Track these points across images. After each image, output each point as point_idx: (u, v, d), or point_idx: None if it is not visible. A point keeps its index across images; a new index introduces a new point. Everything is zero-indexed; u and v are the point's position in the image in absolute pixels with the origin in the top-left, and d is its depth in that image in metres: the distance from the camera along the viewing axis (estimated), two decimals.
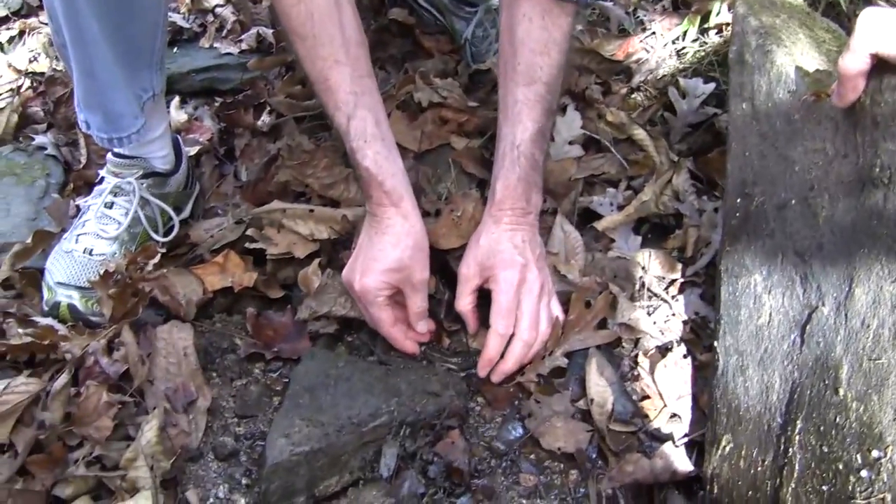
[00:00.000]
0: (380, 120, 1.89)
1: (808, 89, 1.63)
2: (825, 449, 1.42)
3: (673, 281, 2.13)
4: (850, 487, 1.35)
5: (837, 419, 1.41)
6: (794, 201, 1.64)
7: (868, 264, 1.42)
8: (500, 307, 1.92)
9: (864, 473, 1.33)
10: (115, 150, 2.19)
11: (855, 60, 1.40)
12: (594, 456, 1.92)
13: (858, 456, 1.35)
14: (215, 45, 2.91)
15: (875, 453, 1.32)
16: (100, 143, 2.11)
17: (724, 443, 1.66)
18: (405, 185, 1.93)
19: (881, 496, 1.29)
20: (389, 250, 1.91)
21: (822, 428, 1.44)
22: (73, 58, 1.95)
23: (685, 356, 1.97)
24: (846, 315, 1.45)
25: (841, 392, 1.41)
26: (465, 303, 2.01)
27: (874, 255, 1.41)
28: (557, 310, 2.05)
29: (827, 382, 1.45)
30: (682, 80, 2.45)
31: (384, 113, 1.93)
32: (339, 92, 1.85)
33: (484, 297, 2.01)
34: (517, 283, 1.91)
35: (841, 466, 1.38)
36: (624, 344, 2.06)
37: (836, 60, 1.42)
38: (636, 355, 2.03)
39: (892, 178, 1.40)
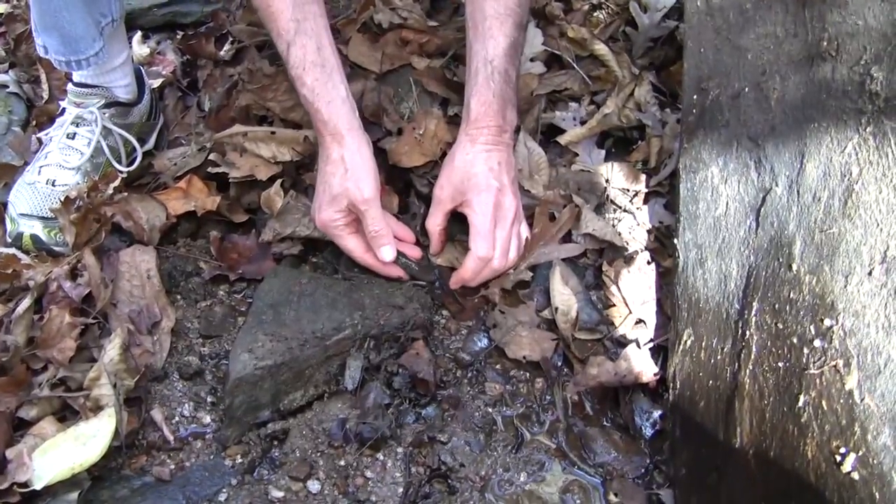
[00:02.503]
0: (322, 45, 1.88)
1: None
2: (780, 326, 1.42)
3: (637, 192, 2.13)
4: (803, 359, 1.35)
5: (791, 294, 1.41)
6: (747, 88, 1.63)
7: (818, 138, 1.42)
8: (479, 231, 1.89)
9: (817, 343, 1.33)
10: (75, 75, 2.17)
11: None
12: (560, 364, 1.92)
13: (812, 327, 1.35)
14: None
15: (827, 322, 1.32)
16: (58, 67, 2.09)
17: (685, 337, 1.67)
18: (345, 111, 1.90)
19: (833, 363, 1.29)
20: (331, 180, 1.89)
21: (776, 305, 1.44)
22: None
23: (649, 262, 1.97)
24: (798, 191, 1.45)
25: (794, 267, 1.41)
26: (434, 223, 1.98)
27: (824, 128, 1.41)
28: (526, 232, 2.03)
29: (781, 260, 1.45)
30: None
31: (329, 37, 1.91)
32: (280, 19, 1.85)
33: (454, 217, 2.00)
34: (492, 207, 1.88)
35: (795, 340, 1.38)
36: (588, 255, 2.06)
37: None
38: (601, 265, 2.02)
39: (839, 50, 1.40)
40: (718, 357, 1.57)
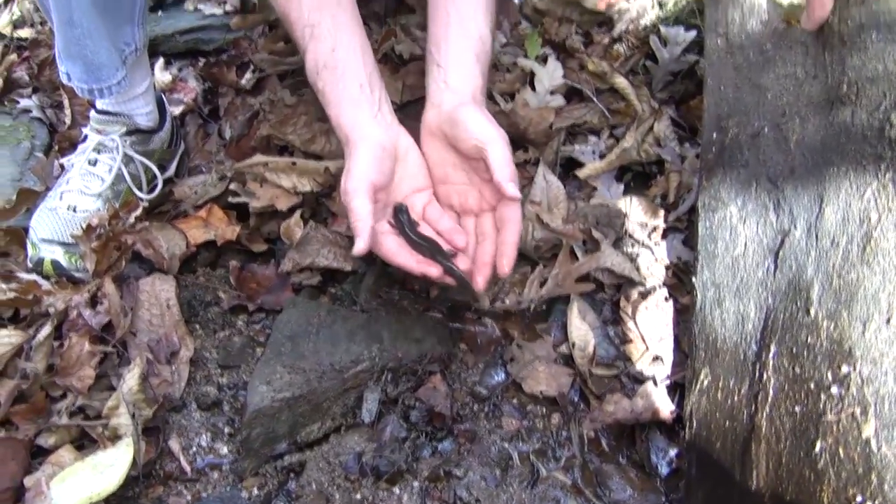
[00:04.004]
0: (338, 45, 1.79)
1: (779, 17, 1.62)
2: (797, 370, 1.41)
3: (655, 227, 2.12)
4: (821, 405, 1.35)
5: (809, 339, 1.41)
6: (766, 128, 1.64)
7: (837, 182, 1.42)
8: (503, 164, 1.69)
9: (834, 390, 1.33)
10: (98, 103, 2.19)
11: None
12: (576, 399, 1.92)
13: (829, 373, 1.35)
14: (199, 6, 2.91)
15: (845, 368, 1.32)
16: (80, 94, 2.11)
17: (702, 377, 1.66)
18: (351, 113, 1.78)
19: (850, 411, 1.29)
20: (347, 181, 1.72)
21: (794, 349, 1.43)
22: (52, 7, 1.95)
23: (667, 299, 1.97)
24: (817, 235, 1.45)
25: (812, 312, 1.41)
26: None
27: (843, 173, 1.41)
28: None
29: (799, 304, 1.45)
30: (663, 29, 2.45)
31: (350, 32, 1.83)
32: (296, 27, 1.81)
33: None
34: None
35: (812, 385, 1.37)
36: (606, 289, 2.06)
37: None
38: (618, 300, 2.02)
39: (858, 94, 1.40)
40: (735, 398, 1.56)
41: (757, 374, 1.52)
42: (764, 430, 1.46)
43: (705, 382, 1.65)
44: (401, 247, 1.77)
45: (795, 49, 1.58)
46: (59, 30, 1.99)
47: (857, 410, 1.28)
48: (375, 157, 1.73)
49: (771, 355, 1.48)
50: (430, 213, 1.85)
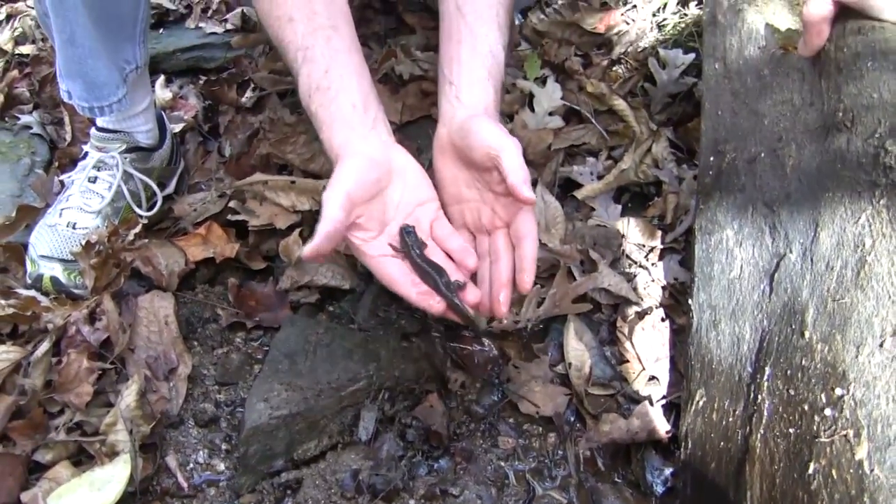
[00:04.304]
0: (331, 67, 1.72)
1: (777, 44, 1.64)
2: (791, 392, 1.42)
3: (653, 248, 2.14)
4: (814, 427, 1.35)
5: (803, 361, 1.41)
6: (763, 154, 1.65)
7: (832, 207, 1.43)
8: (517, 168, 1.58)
9: (827, 412, 1.34)
10: (98, 120, 2.20)
11: (818, 6, 1.42)
12: (572, 419, 1.93)
13: (823, 395, 1.35)
14: (201, 24, 2.93)
15: (838, 391, 1.33)
16: (81, 112, 2.12)
17: (697, 397, 1.67)
18: (343, 134, 1.70)
19: (844, 433, 1.29)
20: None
21: (788, 372, 1.44)
22: (54, 26, 1.96)
23: (663, 319, 1.99)
24: (812, 259, 1.46)
25: (807, 335, 1.42)
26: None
27: (838, 198, 1.43)
28: None
29: (794, 327, 1.46)
30: (662, 51, 2.47)
31: (347, 52, 1.77)
32: (289, 51, 1.75)
33: None
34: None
35: (806, 407, 1.38)
36: (603, 310, 2.07)
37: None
38: (615, 320, 2.03)
39: (854, 121, 1.41)
40: (730, 419, 1.57)
41: (752, 396, 1.52)
42: (758, 451, 1.46)
43: (700, 403, 1.65)
44: (403, 273, 1.67)
45: (792, 76, 1.60)
46: (60, 48, 2.00)
47: (851, 433, 1.28)
48: (359, 168, 1.65)
49: (766, 377, 1.49)
50: (438, 230, 1.75)
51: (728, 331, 1.64)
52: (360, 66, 1.79)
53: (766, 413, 1.47)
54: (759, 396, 1.49)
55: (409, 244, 1.67)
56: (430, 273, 1.65)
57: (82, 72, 2.02)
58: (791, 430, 1.40)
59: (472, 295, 1.69)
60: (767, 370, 1.49)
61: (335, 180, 1.62)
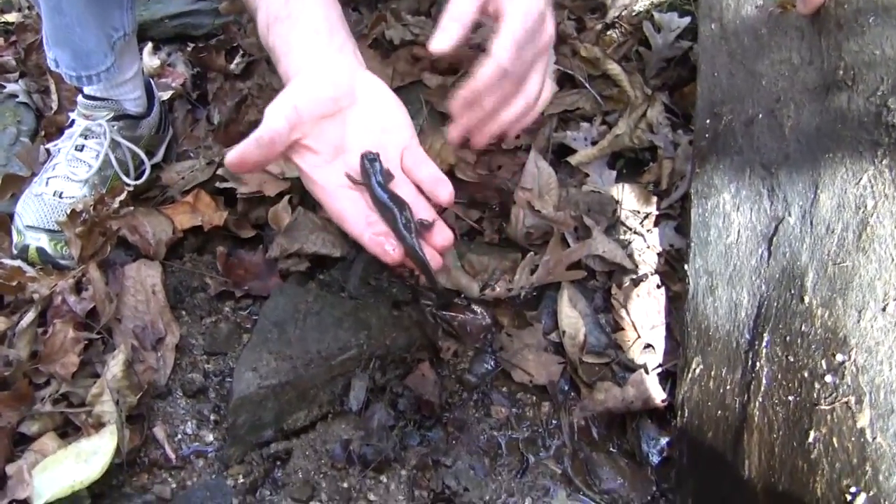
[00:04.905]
0: None
1: (774, 2, 1.60)
2: (791, 358, 1.40)
3: (648, 214, 2.11)
4: (814, 394, 1.33)
5: (803, 327, 1.39)
6: (761, 115, 1.62)
7: (833, 168, 1.40)
8: (508, 33, 1.34)
9: (828, 379, 1.31)
10: (85, 89, 2.16)
11: None
12: (566, 388, 1.90)
13: (823, 362, 1.33)
14: None
15: (839, 357, 1.30)
16: (68, 81, 2.08)
17: (694, 365, 1.64)
18: (301, 56, 1.46)
19: (845, 400, 1.27)
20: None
21: (787, 338, 1.42)
22: None
23: (659, 287, 1.96)
24: (811, 222, 1.43)
25: (806, 299, 1.39)
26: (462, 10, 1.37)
27: (839, 159, 1.39)
28: (551, 86, 1.61)
29: (793, 292, 1.43)
30: (657, 15, 2.43)
31: None
32: None
33: None
34: (531, 17, 1.38)
35: (806, 374, 1.36)
36: (597, 277, 2.04)
37: None
38: (609, 287, 2.01)
39: (855, 79, 1.38)
40: (727, 387, 1.54)
41: (750, 363, 1.50)
42: (756, 419, 1.44)
43: (697, 371, 1.63)
44: (358, 209, 1.47)
45: (791, 34, 1.56)
46: (47, 17, 1.96)
47: (852, 399, 1.26)
48: (313, 82, 1.44)
49: (764, 344, 1.47)
50: (408, 159, 1.53)
51: (725, 297, 1.61)
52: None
53: (764, 380, 1.44)
54: (758, 363, 1.47)
55: (370, 173, 1.45)
56: (389, 208, 1.44)
57: (69, 40, 1.98)
58: (790, 398, 1.37)
59: (440, 237, 1.49)
60: (766, 336, 1.47)
61: (283, 93, 1.43)
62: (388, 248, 1.43)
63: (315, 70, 1.44)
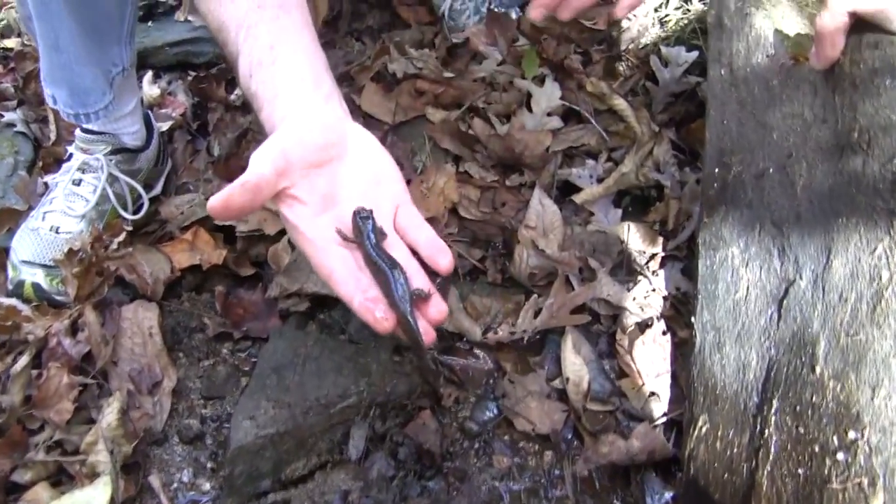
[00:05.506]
0: (277, 42, 1.44)
1: (787, 52, 1.57)
2: (801, 430, 1.36)
3: (654, 255, 2.07)
4: (825, 471, 1.29)
5: (814, 398, 1.35)
6: (772, 169, 1.58)
7: (846, 234, 1.37)
8: None
9: (840, 456, 1.27)
10: (84, 126, 2.13)
11: (833, 18, 1.35)
12: (570, 436, 1.87)
13: (835, 437, 1.29)
14: (189, 18, 2.84)
15: (852, 434, 1.26)
16: (66, 119, 2.06)
17: (700, 423, 1.60)
18: (286, 104, 1.41)
19: (857, 481, 1.23)
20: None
21: (798, 408, 1.38)
22: (37, 31, 1.89)
23: (664, 333, 1.92)
24: (823, 288, 1.39)
25: (818, 370, 1.36)
26: None
27: (852, 225, 1.36)
28: None
29: (804, 360, 1.40)
30: (664, 49, 2.40)
31: (293, 35, 1.47)
32: (231, 31, 1.46)
33: None
34: None
35: (817, 448, 1.32)
36: (602, 321, 2.01)
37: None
38: (614, 332, 1.97)
39: (870, 143, 1.34)
40: (735, 450, 1.51)
41: (758, 428, 1.46)
42: (765, 488, 1.40)
43: (703, 430, 1.59)
44: (348, 269, 1.41)
45: (803, 88, 1.53)
46: (44, 54, 1.93)
47: (865, 481, 1.22)
48: (303, 128, 1.40)
49: (773, 410, 1.43)
50: (402, 218, 1.49)
51: (733, 355, 1.57)
52: (313, 44, 1.49)
53: (773, 449, 1.40)
54: (767, 430, 1.43)
55: (363, 231, 1.40)
56: (383, 271, 1.38)
57: (67, 78, 1.95)
58: (800, 471, 1.33)
59: (435, 310, 1.43)
60: (775, 403, 1.43)
61: (270, 138, 1.38)
62: (378, 315, 1.36)
63: (303, 117, 1.40)
